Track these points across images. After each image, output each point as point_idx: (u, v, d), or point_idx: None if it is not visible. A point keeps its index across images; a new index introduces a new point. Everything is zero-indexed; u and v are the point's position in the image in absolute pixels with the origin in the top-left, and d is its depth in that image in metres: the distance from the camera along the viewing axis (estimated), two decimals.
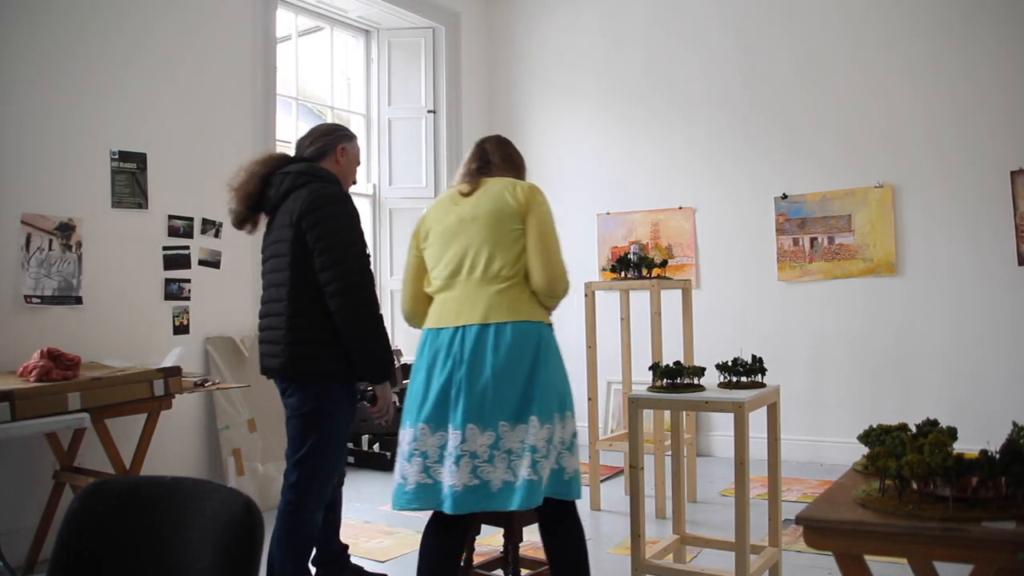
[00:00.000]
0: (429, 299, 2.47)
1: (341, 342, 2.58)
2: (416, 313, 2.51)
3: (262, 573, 1.30)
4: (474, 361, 2.27)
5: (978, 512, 1.45)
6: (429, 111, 5.97)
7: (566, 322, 5.60)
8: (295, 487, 2.63)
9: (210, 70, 4.38)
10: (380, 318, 2.64)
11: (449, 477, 2.25)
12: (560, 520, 2.39)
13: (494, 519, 2.77)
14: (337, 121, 5.92)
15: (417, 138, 5.97)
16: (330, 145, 2.79)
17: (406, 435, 2.35)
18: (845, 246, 5.07)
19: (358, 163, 2.90)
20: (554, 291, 2.39)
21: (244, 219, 2.76)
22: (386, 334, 2.68)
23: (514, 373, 2.27)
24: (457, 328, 2.32)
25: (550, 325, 2.43)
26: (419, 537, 3.83)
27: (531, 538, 3.20)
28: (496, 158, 2.56)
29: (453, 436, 2.26)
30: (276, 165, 2.73)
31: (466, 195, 2.45)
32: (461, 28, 6.13)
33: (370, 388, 2.82)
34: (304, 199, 2.59)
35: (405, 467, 2.32)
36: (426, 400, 2.32)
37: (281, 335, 2.59)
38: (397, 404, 3.48)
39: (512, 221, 2.38)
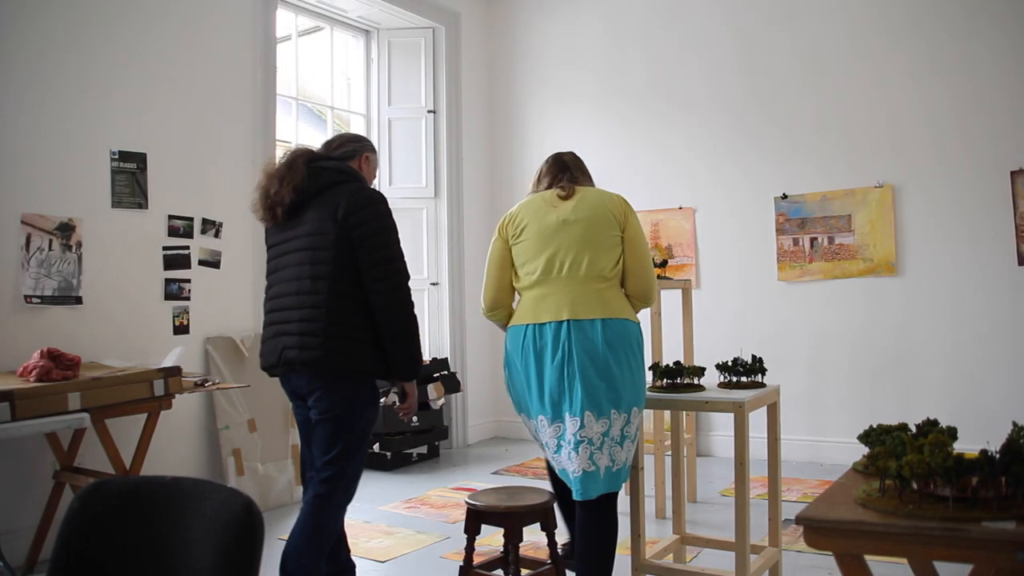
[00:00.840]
0: (512, 291, 2.68)
1: (376, 339, 2.60)
2: (500, 304, 2.71)
3: (263, 573, 1.30)
4: (586, 352, 2.46)
5: (978, 512, 1.45)
6: (429, 111, 5.97)
7: None
8: (325, 484, 2.62)
9: (210, 70, 4.38)
10: (416, 317, 2.68)
11: (570, 463, 2.48)
12: (610, 507, 2.57)
13: (494, 519, 2.78)
14: (337, 121, 5.94)
15: (417, 138, 5.97)
16: (357, 152, 2.83)
17: (551, 429, 2.55)
18: (845, 246, 5.07)
19: (374, 176, 2.93)
20: (648, 298, 2.64)
21: (293, 208, 2.65)
22: (419, 333, 2.72)
23: (622, 365, 2.49)
24: (562, 322, 2.50)
25: (640, 324, 2.64)
26: (419, 537, 3.85)
27: (531, 538, 3.20)
28: (578, 172, 2.79)
29: (572, 423, 2.47)
30: (314, 158, 2.73)
31: (563, 199, 2.64)
32: (461, 28, 6.13)
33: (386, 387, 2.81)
34: (351, 196, 2.61)
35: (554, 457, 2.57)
36: (542, 393, 2.52)
37: (320, 327, 2.54)
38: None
39: (611, 227, 2.58)
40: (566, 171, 2.77)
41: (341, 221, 2.57)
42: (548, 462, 2.74)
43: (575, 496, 2.47)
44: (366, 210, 2.60)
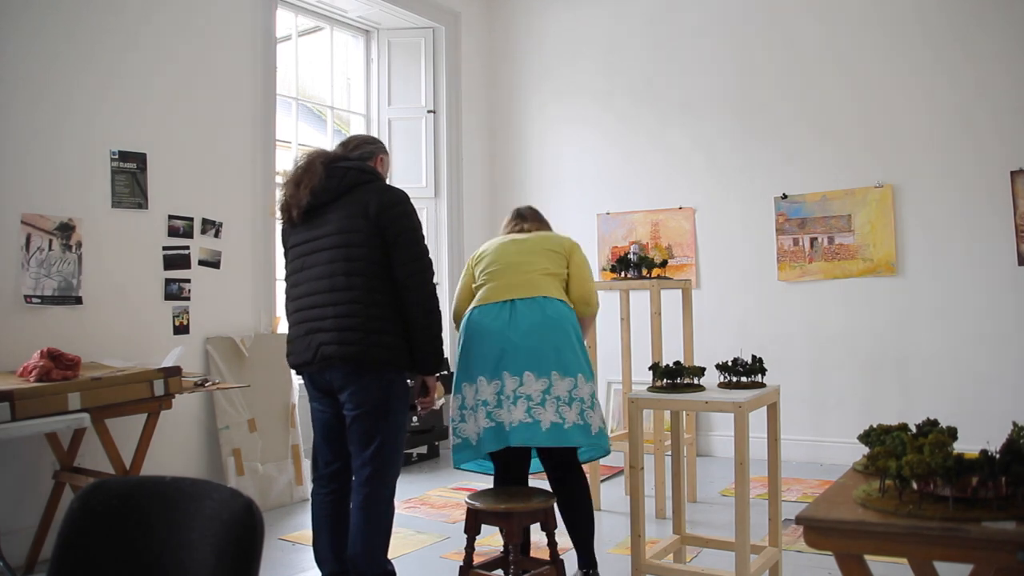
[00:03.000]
0: (471, 300, 2.99)
1: (406, 334, 2.67)
2: (461, 313, 3.05)
3: (263, 573, 1.30)
4: (526, 321, 2.79)
5: (978, 512, 1.45)
6: (429, 111, 5.97)
7: None
8: (370, 480, 2.65)
9: (210, 70, 4.38)
10: (440, 313, 2.76)
11: (507, 415, 2.74)
12: (571, 469, 2.90)
13: (494, 519, 2.78)
14: (337, 121, 5.94)
15: (417, 138, 5.97)
16: (373, 153, 2.90)
17: (468, 391, 2.85)
18: (845, 246, 5.07)
19: (387, 177, 2.97)
20: (588, 303, 3.00)
21: (310, 209, 2.70)
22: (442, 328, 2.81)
23: (560, 336, 2.80)
24: (505, 301, 2.86)
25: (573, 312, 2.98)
26: (419, 537, 3.85)
27: (531, 538, 3.19)
28: (533, 221, 3.20)
29: (511, 381, 2.75)
30: (333, 159, 2.76)
31: (519, 232, 3.13)
32: (461, 28, 6.13)
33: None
34: (381, 194, 2.69)
35: (475, 418, 2.83)
36: (482, 357, 2.81)
37: (359, 323, 2.59)
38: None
39: (559, 259, 2.97)
40: (525, 220, 3.19)
41: (373, 219, 2.63)
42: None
43: (511, 443, 2.73)
44: (397, 208, 2.68)
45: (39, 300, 3.60)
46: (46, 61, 3.67)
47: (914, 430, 1.84)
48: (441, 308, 2.79)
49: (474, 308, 2.91)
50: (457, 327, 3.03)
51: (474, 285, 3.02)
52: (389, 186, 2.78)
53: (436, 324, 2.70)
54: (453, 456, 2.92)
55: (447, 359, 5.63)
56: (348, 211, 2.66)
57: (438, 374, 2.85)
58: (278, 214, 2.81)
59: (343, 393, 2.66)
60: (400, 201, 2.70)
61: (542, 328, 2.78)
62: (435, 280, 2.75)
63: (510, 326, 2.79)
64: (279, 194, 2.80)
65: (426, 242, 2.77)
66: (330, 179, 2.69)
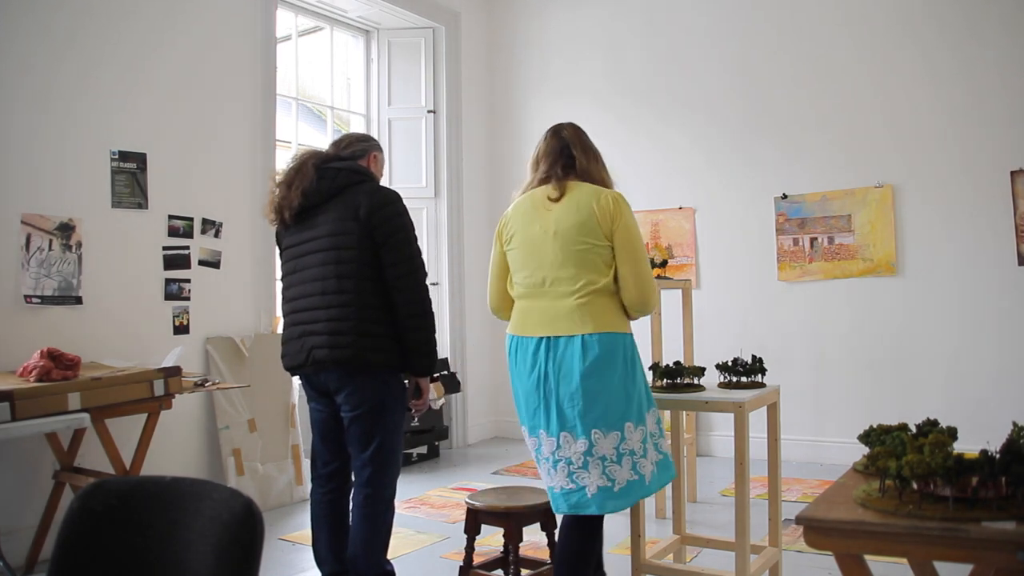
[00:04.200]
0: (508, 296, 2.61)
1: (399, 335, 2.65)
2: (502, 307, 2.65)
3: (263, 573, 1.30)
4: (562, 371, 2.36)
5: (978, 512, 1.45)
6: (429, 111, 5.97)
7: None
8: (370, 481, 2.66)
9: (210, 70, 4.38)
10: (434, 314, 2.74)
11: (548, 478, 2.43)
12: (589, 526, 2.47)
13: (494, 519, 2.78)
14: (337, 121, 5.94)
15: (417, 138, 5.97)
16: (366, 151, 2.89)
17: (531, 442, 2.52)
18: (845, 246, 5.07)
19: (382, 174, 2.97)
20: (645, 306, 2.44)
21: (302, 211, 2.69)
22: (435, 330, 2.77)
23: (604, 381, 2.34)
24: (541, 339, 2.41)
25: (631, 334, 2.47)
26: (419, 537, 3.85)
27: (531, 538, 3.20)
28: (578, 150, 2.54)
29: (548, 443, 2.41)
30: (324, 159, 2.75)
31: (554, 200, 2.45)
32: (461, 28, 6.13)
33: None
34: (371, 195, 2.67)
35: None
36: (520, 407, 2.52)
37: (350, 326, 2.59)
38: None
39: (595, 236, 2.39)
40: (563, 154, 2.52)
41: (364, 220, 2.62)
42: None
43: (553, 509, 2.46)
44: (387, 209, 2.66)
45: (39, 300, 3.60)
46: (46, 61, 3.67)
47: (914, 430, 1.84)
48: (434, 309, 2.78)
49: (513, 337, 2.52)
50: (494, 312, 2.71)
51: (512, 277, 2.57)
52: (380, 187, 2.76)
53: (429, 326, 2.69)
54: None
55: (446, 359, 5.64)
56: (339, 213, 2.65)
57: (434, 375, 2.84)
58: (271, 215, 2.79)
59: (340, 394, 2.66)
60: (390, 201, 2.69)
61: (579, 380, 2.33)
62: (432, 280, 2.74)
63: (545, 378, 2.39)
64: (272, 195, 2.78)
65: (419, 243, 2.76)
66: (321, 180, 2.69)
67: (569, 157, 2.52)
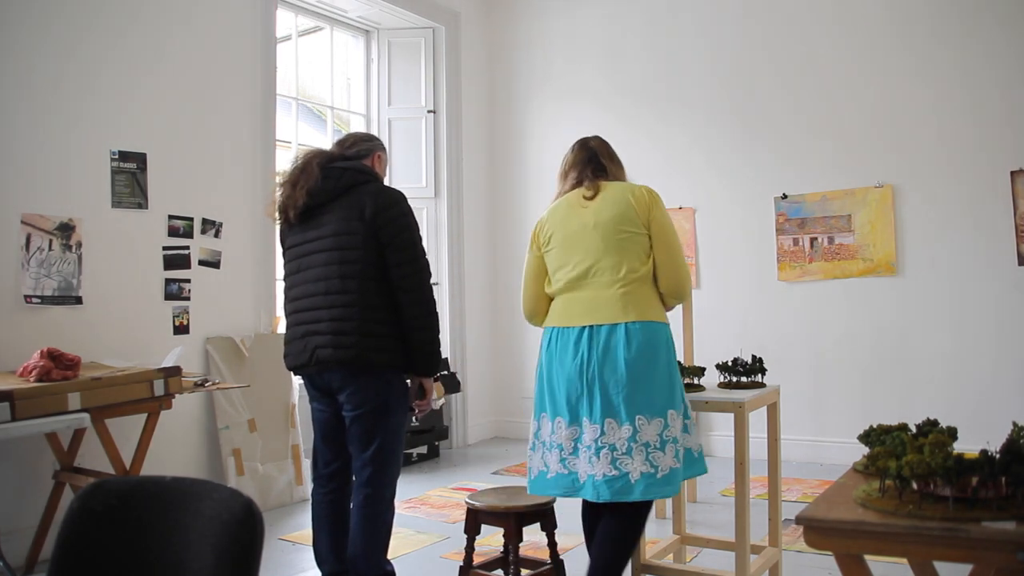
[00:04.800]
0: (548, 299, 2.64)
1: (403, 335, 2.66)
2: (537, 312, 2.68)
3: (263, 573, 1.30)
4: (607, 359, 2.40)
5: (978, 512, 1.45)
6: (429, 111, 5.97)
7: None
8: (371, 481, 2.66)
9: (210, 70, 4.38)
10: (438, 315, 2.75)
11: (589, 467, 2.41)
12: (636, 512, 2.49)
13: (494, 519, 2.78)
14: (337, 121, 5.94)
15: (417, 138, 5.97)
16: (370, 150, 2.88)
17: (546, 427, 2.54)
18: (845, 246, 5.07)
19: (385, 174, 2.96)
20: (681, 294, 2.54)
21: (307, 210, 2.69)
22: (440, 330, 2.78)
23: (649, 369, 2.41)
24: (584, 327, 2.45)
25: (669, 325, 2.54)
26: (419, 537, 3.85)
27: (531, 538, 3.20)
28: (606, 159, 2.68)
29: (591, 429, 2.41)
30: (329, 159, 2.75)
31: (589, 199, 2.56)
32: (461, 28, 6.13)
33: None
34: (376, 196, 2.67)
35: (547, 456, 2.52)
36: (557, 395, 2.49)
37: (354, 326, 2.59)
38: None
39: (633, 225, 2.49)
40: (591, 162, 2.66)
41: (369, 221, 2.62)
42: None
43: (589, 497, 2.41)
44: (392, 209, 2.67)
45: (39, 300, 3.60)
46: (46, 61, 3.67)
47: (914, 430, 1.84)
48: (439, 310, 2.78)
49: (553, 329, 2.55)
50: (528, 319, 2.73)
51: (549, 280, 2.62)
52: (385, 187, 2.76)
53: (433, 326, 2.70)
54: (528, 483, 2.63)
55: (446, 359, 5.64)
56: (344, 213, 2.65)
57: (436, 375, 2.84)
58: (275, 215, 2.80)
59: (342, 394, 2.66)
60: (396, 202, 2.69)
61: (624, 366, 2.39)
62: (433, 280, 2.75)
63: (588, 364, 2.42)
64: (276, 194, 2.79)
65: (423, 243, 2.76)
66: (326, 180, 2.69)
67: (598, 164, 2.65)
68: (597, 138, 2.77)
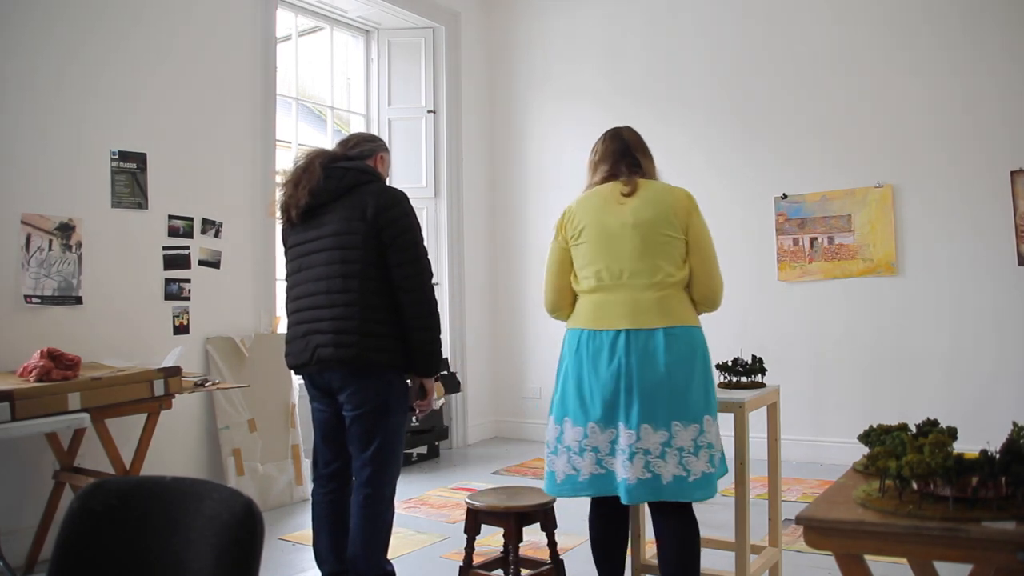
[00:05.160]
0: (573, 294, 2.52)
1: (403, 335, 2.65)
2: (562, 306, 2.56)
3: (263, 573, 1.30)
4: (645, 363, 2.33)
5: (978, 512, 1.45)
6: (429, 111, 5.97)
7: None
8: (370, 481, 2.66)
9: (210, 70, 4.38)
10: (439, 315, 2.75)
11: (623, 471, 2.33)
12: (684, 515, 2.44)
13: (494, 519, 2.78)
14: (337, 121, 5.94)
15: (417, 138, 5.97)
16: (373, 151, 2.88)
17: (571, 432, 2.41)
18: (845, 246, 5.07)
19: (387, 175, 2.96)
20: (715, 303, 2.50)
21: (309, 210, 2.70)
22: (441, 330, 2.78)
23: (686, 374, 2.35)
24: (620, 331, 2.36)
25: (702, 328, 2.50)
26: (419, 537, 3.84)
27: (531, 538, 3.20)
28: (640, 153, 2.60)
29: (627, 435, 2.33)
30: (331, 159, 2.76)
31: (626, 195, 2.46)
32: (461, 28, 6.13)
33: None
34: (378, 195, 2.67)
35: (576, 460, 2.41)
36: (592, 400, 2.38)
37: (355, 325, 2.59)
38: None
39: (672, 229, 2.43)
40: (626, 155, 2.56)
41: (371, 220, 2.62)
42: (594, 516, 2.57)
43: (623, 499, 2.36)
44: (394, 209, 2.66)
45: (39, 300, 3.60)
46: (46, 61, 3.67)
47: (914, 430, 1.84)
48: (440, 310, 2.78)
49: (583, 331, 2.43)
50: (550, 313, 2.61)
51: (576, 275, 2.50)
52: (387, 187, 2.76)
53: (434, 326, 2.70)
54: (546, 485, 2.52)
55: (446, 359, 5.64)
56: (346, 212, 2.66)
57: (436, 375, 2.84)
58: (277, 214, 2.81)
59: (342, 393, 2.66)
60: (397, 202, 2.69)
61: (665, 372, 2.33)
62: (433, 280, 2.75)
63: (626, 369, 2.34)
64: (278, 194, 2.80)
65: (425, 243, 2.76)
66: (329, 180, 2.69)
67: (632, 159, 2.57)
68: (630, 129, 2.67)
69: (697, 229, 2.48)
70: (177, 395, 3.42)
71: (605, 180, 2.54)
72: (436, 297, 2.75)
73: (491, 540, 3.40)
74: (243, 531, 1.28)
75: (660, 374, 2.32)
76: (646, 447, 2.32)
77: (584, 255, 2.47)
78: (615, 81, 5.88)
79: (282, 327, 4.39)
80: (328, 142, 5.60)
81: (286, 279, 2.84)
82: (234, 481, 4.15)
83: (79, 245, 3.74)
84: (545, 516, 2.78)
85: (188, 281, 4.21)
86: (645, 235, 2.40)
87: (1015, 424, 1.59)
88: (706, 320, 2.52)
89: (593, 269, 2.44)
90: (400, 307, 2.65)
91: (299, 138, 5.41)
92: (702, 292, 2.46)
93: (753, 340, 5.03)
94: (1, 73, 3.52)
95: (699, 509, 4.06)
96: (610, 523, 2.54)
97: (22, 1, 3.60)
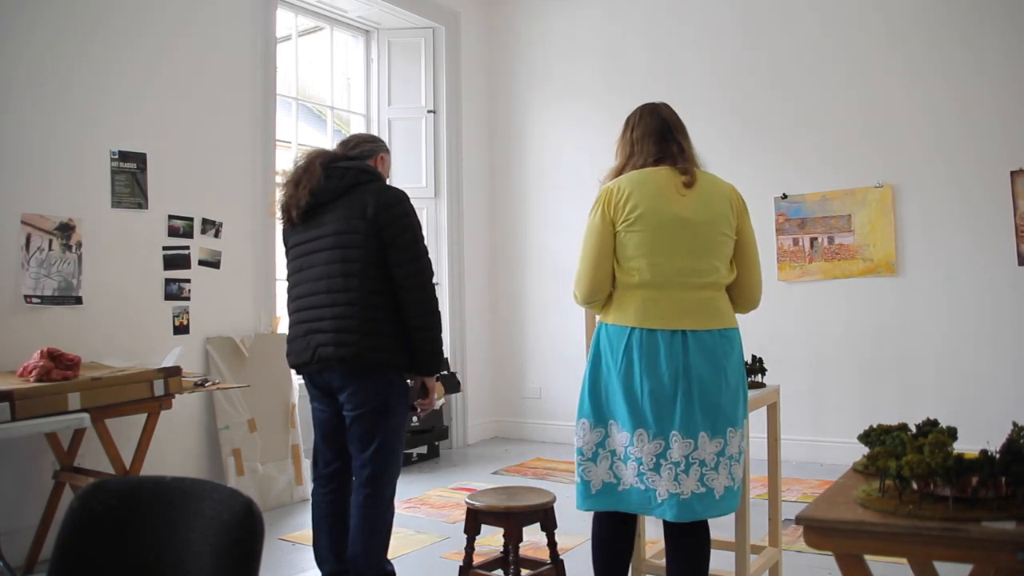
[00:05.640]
0: (612, 281, 2.31)
1: (405, 334, 2.66)
2: (600, 296, 2.33)
3: (263, 573, 1.30)
4: (707, 366, 2.21)
5: (978, 512, 1.45)
6: (429, 111, 5.97)
7: (569, 322, 5.63)
8: (370, 480, 2.66)
9: (210, 70, 4.38)
10: (440, 314, 2.75)
11: (673, 485, 2.18)
12: (704, 528, 2.33)
13: (494, 519, 2.77)
14: (337, 121, 5.94)
15: (417, 138, 5.97)
16: (373, 151, 2.88)
17: (619, 436, 2.26)
18: (845, 246, 5.07)
19: (388, 175, 2.97)
20: (756, 304, 2.45)
21: (309, 209, 2.70)
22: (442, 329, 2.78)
23: (739, 380, 2.30)
24: (678, 331, 2.22)
25: None
26: (419, 537, 3.84)
27: (531, 538, 3.20)
28: (684, 138, 2.46)
29: (682, 444, 2.19)
30: (332, 159, 2.76)
31: (687, 186, 2.32)
32: (461, 28, 6.13)
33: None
34: (379, 195, 2.68)
35: (619, 467, 2.27)
36: (643, 403, 2.21)
37: (356, 324, 2.59)
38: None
39: (729, 228, 2.34)
40: (673, 140, 2.41)
41: (371, 219, 2.63)
42: (595, 522, 2.40)
43: (670, 518, 2.19)
44: (395, 208, 2.67)
45: (39, 300, 3.60)
46: (45, 61, 3.67)
47: (914, 430, 1.84)
48: (440, 309, 2.79)
49: (635, 329, 2.23)
50: (585, 301, 2.36)
51: (621, 264, 2.29)
52: (388, 186, 2.77)
53: (435, 325, 2.70)
54: (579, 499, 2.34)
55: (446, 359, 5.64)
56: (347, 212, 2.66)
57: (438, 375, 2.85)
58: (278, 214, 2.81)
59: (342, 393, 2.66)
60: (398, 201, 2.69)
61: (723, 375, 2.23)
62: (434, 280, 2.75)
63: (686, 373, 2.20)
64: (279, 194, 2.80)
65: (425, 242, 2.76)
66: (329, 179, 2.69)
67: (677, 144, 2.42)
68: (667, 107, 2.50)
69: (748, 229, 2.41)
70: (177, 395, 3.42)
71: (655, 163, 2.36)
72: (437, 296, 2.75)
73: (491, 540, 3.40)
74: (243, 531, 1.28)
75: (721, 378, 2.22)
76: (702, 458, 2.19)
77: (638, 245, 2.26)
78: (615, 81, 5.88)
79: (282, 327, 4.40)
80: (328, 142, 5.60)
81: (287, 279, 2.84)
82: (234, 481, 4.15)
83: (79, 245, 3.74)
84: (545, 516, 2.78)
85: (188, 281, 4.21)
86: (706, 233, 2.28)
87: (1015, 424, 1.59)
88: None
89: (648, 262, 2.24)
90: (401, 306, 2.65)
91: (299, 138, 5.41)
92: (747, 293, 2.40)
93: (753, 340, 5.01)
94: (1, 74, 3.52)
95: None
96: (618, 535, 2.37)
97: (23, 2, 3.60)
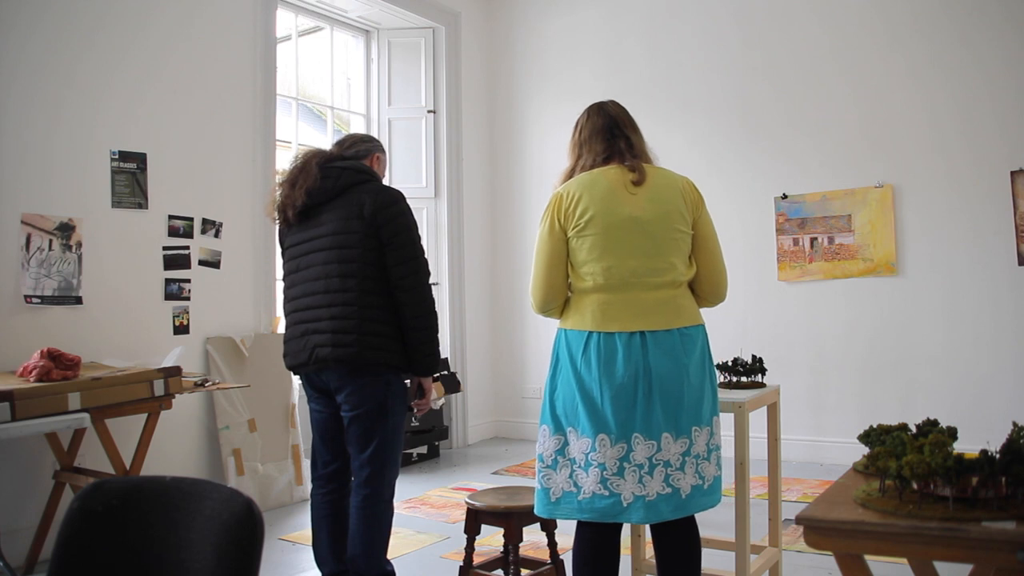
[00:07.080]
0: (567, 288, 2.30)
1: (400, 333, 2.66)
2: (555, 304, 2.31)
3: (263, 573, 1.30)
4: (667, 366, 2.17)
5: (978, 512, 1.45)
6: (429, 111, 5.97)
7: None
8: (369, 481, 2.66)
9: (210, 70, 4.38)
10: (437, 314, 2.75)
11: (638, 488, 2.15)
12: (690, 523, 2.29)
13: (494, 519, 2.77)
14: (337, 121, 5.94)
15: (417, 138, 5.97)
16: (369, 151, 2.89)
17: (577, 443, 2.21)
18: (845, 246, 5.07)
19: (384, 175, 2.97)
20: (722, 296, 2.38)
21: (306, 210, 2.70)
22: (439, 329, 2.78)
23: (702, 377, 2.25)
24: (635, 333, 2.18)
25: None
26: (419, 537, 3.84)
27: (531, 538, 3.20)
28: (633, 132, 2.38)
29: (645, 446, 2.15)
30: (328, 159, 2.76)
31: (636, 184, 2.24)
32: (461, 28, 6.13)
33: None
34: (376, 195, 2.67)
35: (579, 475, 2.20)
36: (604, 408, 2.17)
37: (353, 324, 2.59)
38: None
39: (684, 223, 2.26)
40: (617, 135, 2.34)
41: (368, 219, 2.63)
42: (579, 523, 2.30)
43: (636, 521, 2.15)
44: (391, 208, 2.67)
45: (39, 300, 3.60)
46: (45, 61, 3.67)
47: (914, 430, 1.84)
48: (439, 310, 2.79)
49: (592, 333, 2.20)
50: (541, 310, 2.34)
51: (575, 270, 2.26)
52: (384, 186, 2.76)
53: (432, 325, 2.70)
54: (539, 505, 2.29)
55: (446, 359, 5.64)
56: (343, 212, 2.66)
57: (438, 375, 2.85)
58: (274, 215, 2.81)
59: (340, 394, 2.66)
60: (395, 201, 2.69)
61: (684, 375, 2.18)
62: (432, 280, 2.75)
63: (645, 374, 2.16)
64: (275, 194, 2.79)
65: (422, 242, 2.76)
66: (325, 179, 2.69)
67: (626, 139, 2.35)
68: (615, 103, 2.44)
69: (705, 222, 2.31)
70: (177, 395, 3.42)
71: (603, 163, 2.32)
72: (435, 296, 2.75)
73: (491, 540, 3.40)
74: (243, 531, 1.28)
75: (682, 377, 2.18)
76: (666, 458, 2.16)
77: (591, 248, 2.22)
78: (615, 81, 5.88)
79: (282, 327, 4.39)
80: (328, 142, 5.60)
81: (283, 279, 2.84)
82: (234, 481, 4.16)
83: (79, 245, 3.74)
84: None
85: (188, 281, 4.22)
86: (659, 231, 2.21)
87: (1015, 424, 1.59)
88: (706, 320, 2.51)
89: (601, 266, 2.21)
90: (398, 306, 2.65)
91: (299, 138, 5.41)
92: (710, 287, 2.33)
93: (753, 340, 5.03)
94: (2, 74, 3.52)
95: None
96: (602, 545, 2.27)
97: (23, 3, 3.60)
